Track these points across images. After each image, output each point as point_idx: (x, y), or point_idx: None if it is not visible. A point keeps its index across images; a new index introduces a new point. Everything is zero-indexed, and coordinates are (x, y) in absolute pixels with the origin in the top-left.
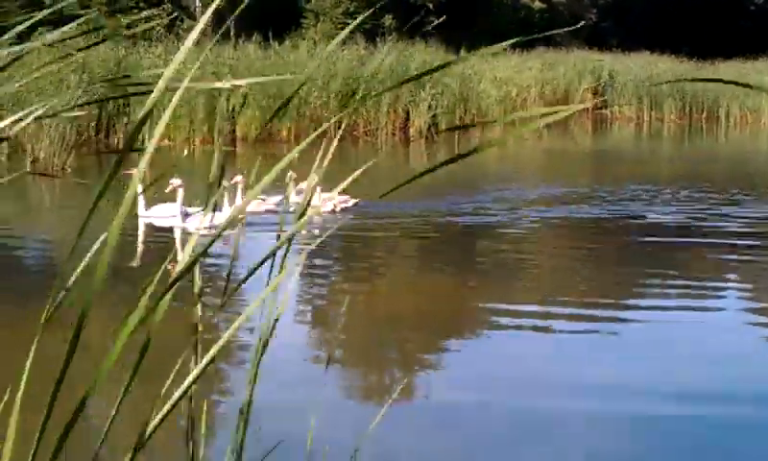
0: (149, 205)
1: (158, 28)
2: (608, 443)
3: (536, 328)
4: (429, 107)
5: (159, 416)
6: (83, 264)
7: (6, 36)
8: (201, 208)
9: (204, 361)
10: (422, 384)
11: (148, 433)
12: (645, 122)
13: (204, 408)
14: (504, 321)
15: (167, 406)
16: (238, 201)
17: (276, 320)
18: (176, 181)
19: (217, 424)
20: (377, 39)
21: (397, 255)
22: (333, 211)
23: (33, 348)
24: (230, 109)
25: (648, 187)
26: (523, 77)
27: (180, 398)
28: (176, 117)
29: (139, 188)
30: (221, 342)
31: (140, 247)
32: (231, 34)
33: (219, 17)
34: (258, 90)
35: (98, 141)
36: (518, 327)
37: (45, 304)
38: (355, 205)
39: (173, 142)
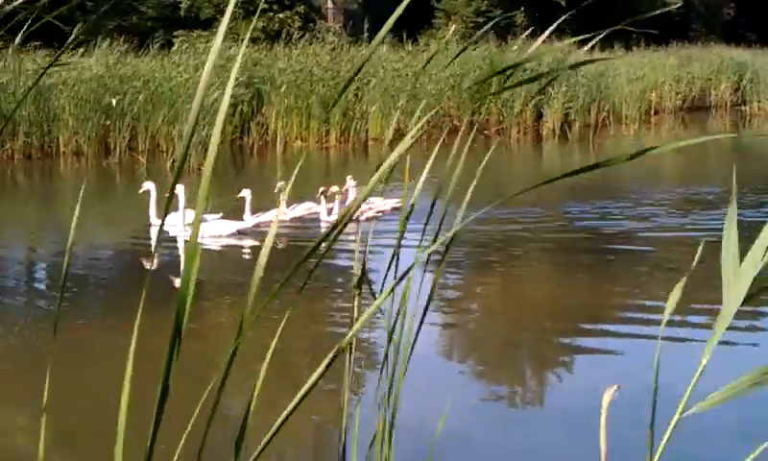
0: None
1: (292, 29)
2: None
3: (672, 338)
4: (562, 105)
5: (291, 405)
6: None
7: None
8: (217, 216)
9: (332, 353)
10: (555, 386)
11: (281, 421)
12: None
13: (346, 401)
14: (637, 329)
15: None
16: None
17: (423, 319)
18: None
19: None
20: (509, 37)
21: (527, 259)
22: (383, 213)
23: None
24: (362, 109)
25: None
26: (658, 73)
27: (311, 387)
28: (309, 117)
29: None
30: (352, 332)
31: (155, 254)
32: (365, 34)
33: (352, 18)
34: (391, 91)
35: (232, 141)
36: (652, 336)
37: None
38: (398, 208)
39: (306, 142)
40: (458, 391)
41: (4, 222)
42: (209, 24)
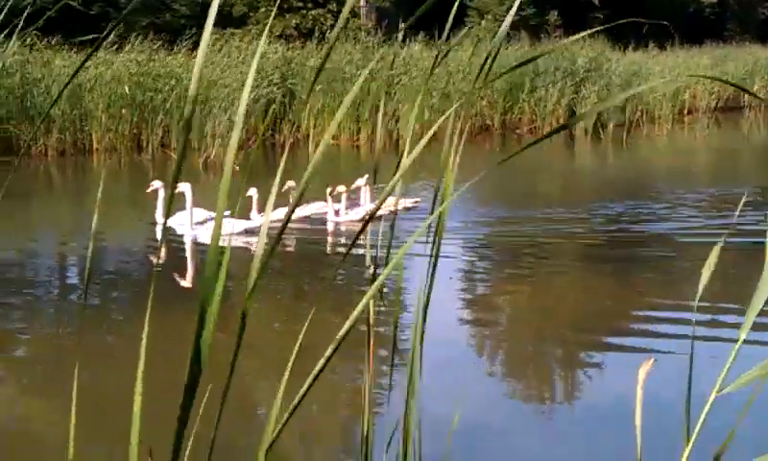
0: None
1: (325, 27)
2: None
3: (704, 338)
4: (594, 104)
5: (303, 390)
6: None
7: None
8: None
9: (340, 333)
10: (582, 388)
11: (292, 407)
12: None
13: (367, 399)
14: (669, 329)
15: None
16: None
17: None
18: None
19: (379, 419)
20: (542, 36)
21: (556, 259)
22: (395, 212)
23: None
24: (395, 108)
25: None
26: (693, 72)
27: (320, 370)
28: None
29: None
30: (356, 311)
31: (161, 253)
32: (398, 33)
33: (386, 17)
34: (428, 90)
35: (264, 139)
36: (685, 336)
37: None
38: (415, 205)
39: (337, 140)
40: (483, 391)
41: (37, 217)
42: (242, 22)
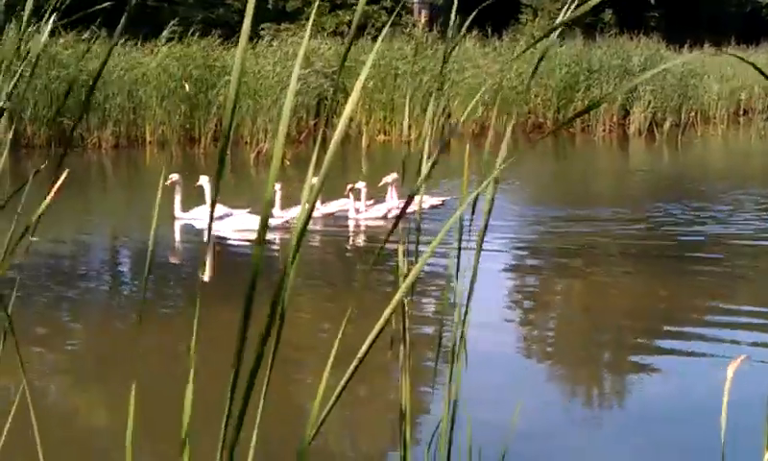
0: (188, 207)
1: (378, 23)
2: None
3: (756, 344)
4: (649, 103)
5: (344, 378)
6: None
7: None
8: (245, 211)
9: (378, 324)
10: (633, 389)
11: (334, 397)
12: None
13: (407, 395)
14: (721, 333)
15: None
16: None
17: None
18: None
19: (422, 416)
20: (597, 35)
21: (608, 260)
22: (419, 211)
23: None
24: (447, 105)
25: None
26: (749, 72)
27: (352, 375)
28: (392, 111)
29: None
30: (376, 327)
31: (179, 247)
32: (451, 30)
33: (440, 13)
34: (477, 87)
35: (316, 133)
36: (734, 342)
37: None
38: (442, 203)
39: (388, 136)
40: (533, 390)
41: (90, 209)
42: (296, 16)
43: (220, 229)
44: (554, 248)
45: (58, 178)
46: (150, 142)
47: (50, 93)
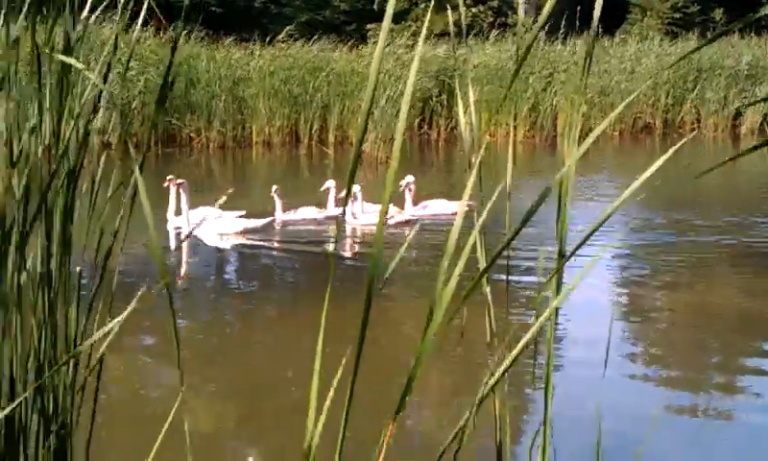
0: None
1: (484, 24)
2: None
3: None
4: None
5: (474, 407)
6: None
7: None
8: (237, 214)
9: (515, 351)
10: (739, 400)
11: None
12: None
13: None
14: None
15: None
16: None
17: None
18: (178, 181)
19: (521, 423)
20: (708, 34)
21: (718, 267)
22: (407, 222)
23: None
24: (552, 105)
25: None
26: None
27: (489, 391)
28: (498, 112)
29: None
30: (529, 333)
31: (172, 252)
32: (560, 31)
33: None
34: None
35: (420, 134)
36: None
37: None
38: (470, 208)
39: (493, 137)
40: (637, 398)
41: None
42: (402, 17)
43: (204, 231)
44: (659, 253)
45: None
46: (256, 143)
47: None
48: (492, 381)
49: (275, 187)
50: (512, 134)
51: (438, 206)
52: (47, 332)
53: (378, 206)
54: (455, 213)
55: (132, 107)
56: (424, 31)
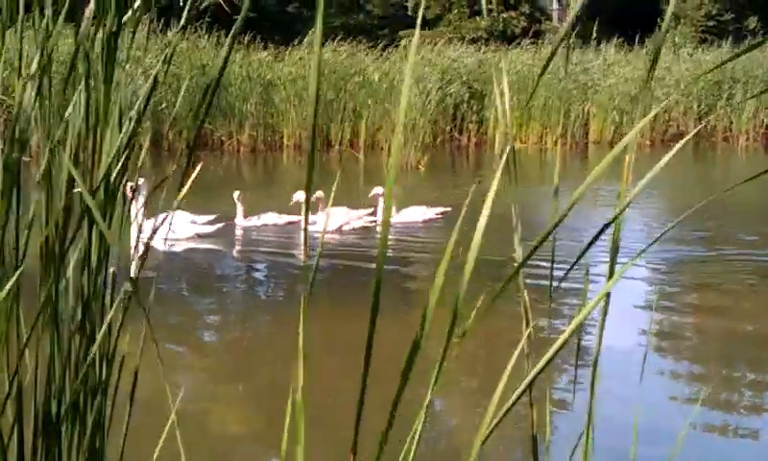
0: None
1: (517, 30)
2: None
3: None
4: None
5: (501, 412)
6: None
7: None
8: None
9: (545, 358)
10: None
11: (488, 428)
12: None
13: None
14: None
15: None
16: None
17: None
18: (140, 182)
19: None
20: (745, 43)
21: (747, 279)
22: (339, 229)
23: None
24: (583, 112)
25: None
26: None
27: (520, 396)
28: (529, 118)
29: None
30: (561, 340)
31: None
32: (593, 36)
33: (579, 20)
34: (616, 94)
35: (452, 140)
36: None
37: None
38: (444, 214)
39: (525, 144)
40: (665, 415)
41: (229, 210)
42: (435, 23)
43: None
44: (693, 272)
45: (195, 181)
46: (287, 146)
47: (191, 97)
48: (528, 378)
49: (237, 193)
50: (559, 143)
51: (412, 214)
52: (84, 333)
53: (342, 209)
54: (430, 219)
55: (168, 112)
56: (417, 33)
